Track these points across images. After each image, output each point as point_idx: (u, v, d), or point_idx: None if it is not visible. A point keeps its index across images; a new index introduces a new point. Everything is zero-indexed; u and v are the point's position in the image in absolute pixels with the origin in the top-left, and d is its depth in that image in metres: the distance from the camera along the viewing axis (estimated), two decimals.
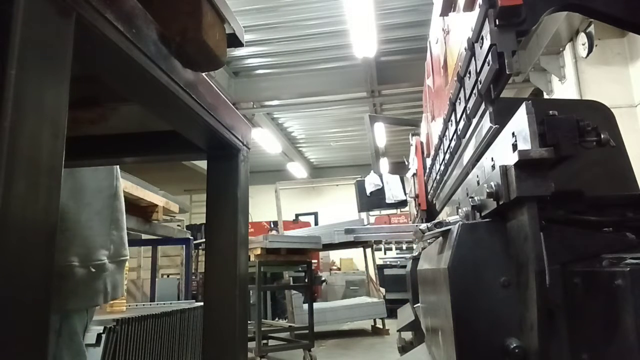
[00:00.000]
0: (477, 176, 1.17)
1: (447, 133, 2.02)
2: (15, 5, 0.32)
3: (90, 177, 0.98)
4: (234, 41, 0.73)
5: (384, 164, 8.43)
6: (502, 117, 1.09)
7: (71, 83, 0.38)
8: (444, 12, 1.62)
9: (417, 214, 4.03)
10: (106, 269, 0.98)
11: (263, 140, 8.90)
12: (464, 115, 1.52)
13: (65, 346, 0.94)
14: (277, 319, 6.55)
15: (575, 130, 0.79)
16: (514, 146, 0.85)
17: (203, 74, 0.70)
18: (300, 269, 5.39)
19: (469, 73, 1.33)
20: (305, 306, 4.91)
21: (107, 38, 0.44)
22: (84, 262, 0.94)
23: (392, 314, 5.84)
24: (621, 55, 4.81)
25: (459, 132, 1.66)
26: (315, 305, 5.22)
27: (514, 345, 0.84)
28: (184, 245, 4.75)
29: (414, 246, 4.04)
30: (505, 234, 0.92)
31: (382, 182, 7.07)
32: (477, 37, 1.15)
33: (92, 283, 0.96)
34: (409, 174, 4.81)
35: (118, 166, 1.04)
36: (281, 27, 6.15)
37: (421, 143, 3.84)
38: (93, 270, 0.94)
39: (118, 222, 1.03)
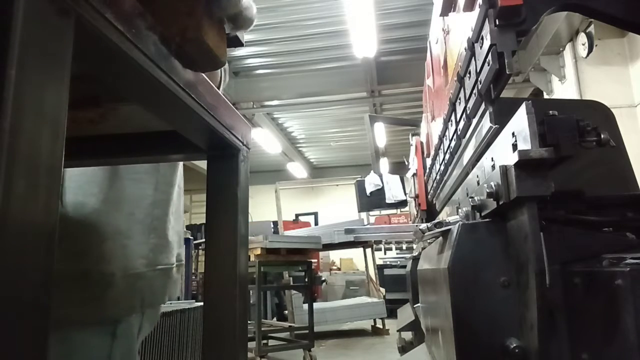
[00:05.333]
0: (477, 176, 1.17)
1: (447, 133, 2.02)
2: (15, 5, 0.32)
3: (132, 186, 1.00)
4: (234, 41, 0.73)
5: (384, 164, 8.43)
6: (502, 117, 1.09)
7: (71, 83, 0.38)
8: (444, 12, 1.62)
9: (417, 214, 4.03)
10: (143, 277, 0.99)
11: (263, 140, 8.90)
12: (464, 115, 1.52)
13: (119, 349, 0.96)
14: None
15: (575, 130, 0.79)
16: (514, 146, 0.85)
17: (203, 74, 0.70)
18: (300, 268, 5.39)
19: (469, 73, 1.33)
20: (305, 306, 4.91)
21: (107, 38, 0.44)
22: (123, 271, 0.94)
23: (392, 314, 5.84)
24: (621, 55, 4.81)
25: (459, 132, 1.66)
26: (315, 305, 5.22)
27: (514, 345, 0.84)
28: (184, 245, 4.75)
29: (414, 246, 4.04)
30: (505, 234, 0.92)
31: (382, 182, 7.07)
32: (477, 37, 1.15)
33: (130, 292, 0.97)
34: (409, 174, 4.82)
35: (165, 173, 1.06)
36: (281, 27, 6.15)
37: (421, 143, 3.85)
38: (131, 279, 0.96)
39: (157, 230, 1.03)
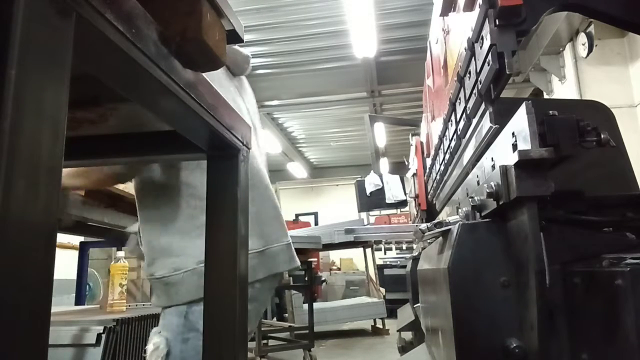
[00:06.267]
0: (477, 176, 1.17)
1: (447, 133, 2.02)
2: (15, 5, 0.32)
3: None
4: (234, 37, 0.73)
5: (384, 164, 8.43)
6: (502, 117, 1.09)
7: (71, 83, 0.38)
8: (444, 12, 1.62)
9: (417, 214, 4.03)
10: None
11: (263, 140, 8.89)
12: (464, 115, 1.52)
13: (190, 328, 1.15)
14: None
15: (575, 130, 0.79)
16: (514, 146, 0.85)
17: (203, 74, 0.70)
18: (300, 268, 5.38)
19: (469, 73, 1.33)
20: (305, 306, 4.90)
21: (107, 38, 0.44)
22: (190, 266, 1.18)
23: (392, 314, 5.83)
24: (621, 55, 4.80)
25: (459, 132, 1.66)
26: (315, 305, 5.21)
27: (514, 345, 0.84)
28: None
29: (414, 246, 4.04)
30: (505, 234, 0.92)
31: (382, 182, 7.09)
32: (477, 37, 1.15)
33: (199, 281, 1.16)
34: (409, 174, 4.82)
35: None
36: (281, 27, 6.14)
37: (421, 143, 3.85)
38: (198, 271, 1.17)
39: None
